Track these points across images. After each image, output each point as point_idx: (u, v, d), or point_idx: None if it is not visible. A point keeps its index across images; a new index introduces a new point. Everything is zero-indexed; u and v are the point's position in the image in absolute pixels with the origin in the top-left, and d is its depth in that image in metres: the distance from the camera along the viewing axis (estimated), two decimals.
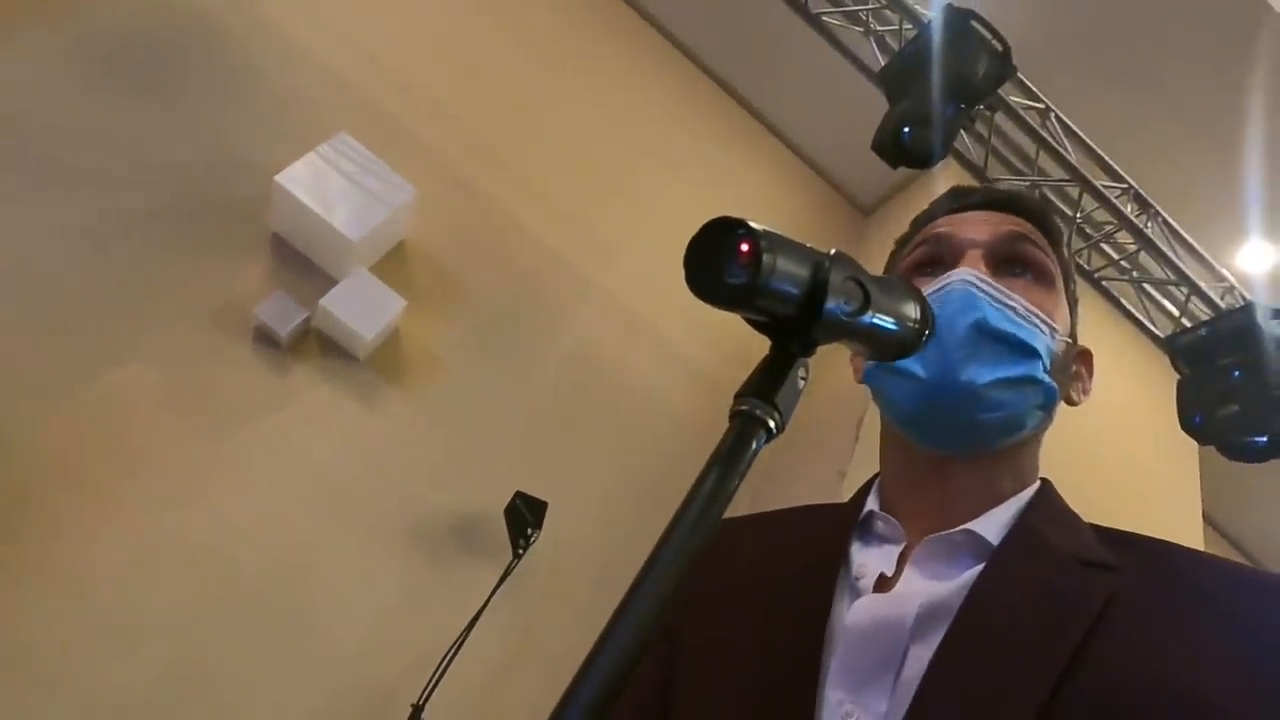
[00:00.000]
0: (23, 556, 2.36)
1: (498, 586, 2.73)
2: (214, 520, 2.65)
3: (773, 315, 0.44)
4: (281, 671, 2.58)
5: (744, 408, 0.43)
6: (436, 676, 2.51)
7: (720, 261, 0.42)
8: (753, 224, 0.42)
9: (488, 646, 2.70)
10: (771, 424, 0.42)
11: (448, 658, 2.54)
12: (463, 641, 2.58)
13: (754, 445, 0.42)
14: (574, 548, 3.08)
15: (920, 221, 0.75)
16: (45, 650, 2.31)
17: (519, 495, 2.88)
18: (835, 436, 3.02)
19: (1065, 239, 0.74)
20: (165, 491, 2.60)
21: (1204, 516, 3.81)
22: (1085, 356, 0.73)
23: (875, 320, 0.47)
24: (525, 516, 2.85)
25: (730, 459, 0.41)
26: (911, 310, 0.51)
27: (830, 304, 0.43)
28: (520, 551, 2.83)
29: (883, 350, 0.51)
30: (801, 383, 0.45)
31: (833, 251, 0.45)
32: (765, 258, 0.41)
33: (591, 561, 3.07)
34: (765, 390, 0.43)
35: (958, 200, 0.73)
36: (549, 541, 2.89)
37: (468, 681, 2.62)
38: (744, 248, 0.41)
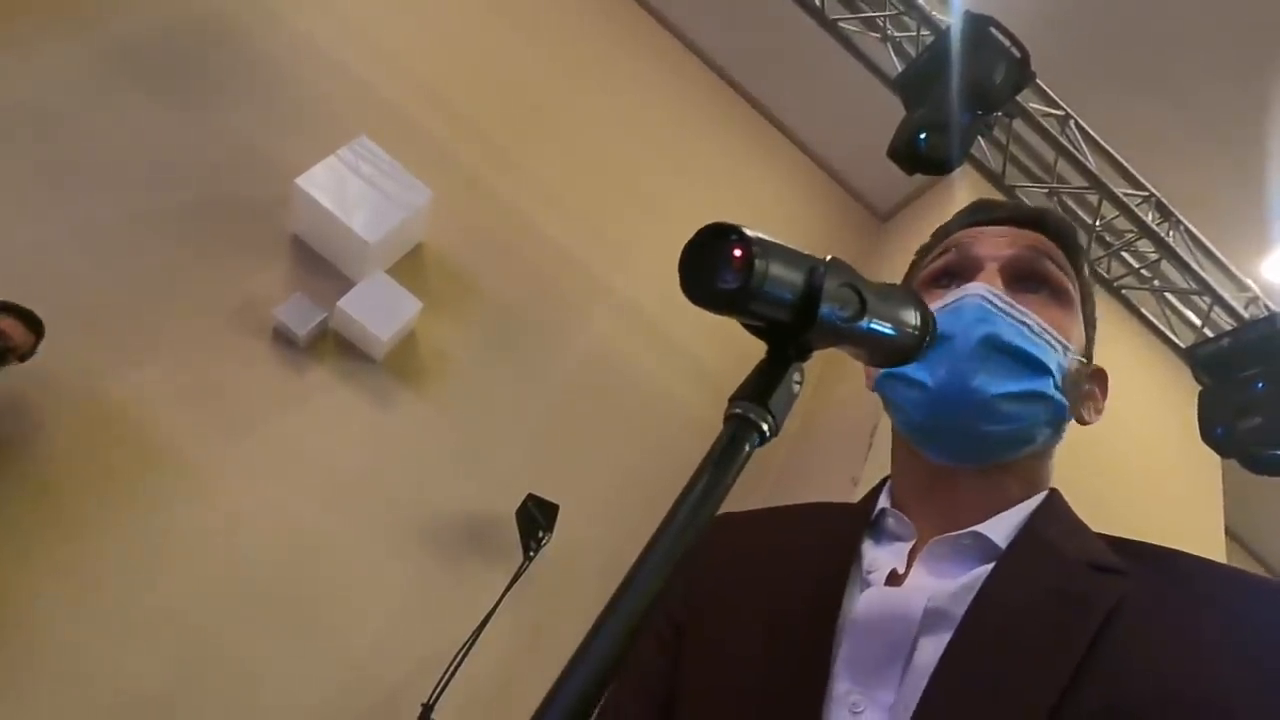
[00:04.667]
0: (41, 549, 2.41)
1: (508, 588, 2.74)
2: (229, 517, 2.69)
3: (767, 320, 0.44)
4: (292, 668, 2.61)
5: (737, 411, 0.43)
6: (446, 676, 2.52)
7: (713, 267, 0.42)
8: (746, 230, 0.42)
9: (498, 647, 2.71)
10: (765, 427, 0.43)
11: (458, 658, 2.55)
12: (473, 642, 2.59)
13: (746, 448, 0.42)
14: (584, 551, 3.09)
15: (942, 233, 0.76)
16: (62, 640, 2.35)
17: (531, 497, 2.89)
18: (849, 444, 3.01)
19: (1086, 250, 0.74)
20: (181, 488, 2.64)
21: (1226, 531, 3.75)
22: (1099, 376, 0.73)
23: (872, 326, 0.47)
24: (537, 518, 2.86)
25: (723, 461, 0.41)
26: (911, 317, 0.51)
27: (825, 309, 0.44)
28: (531, 554, 2.84)
29: (882, 356, 0.52)
30: (796, 387, 0.46)
31: (828, 258, 0.45)
32: (757, 263, 0.41)
33: (601, 565, 3.07)
34: (759, 394, 0.44)
35: (981, 214, 0.74)
36: (560, 544, 2.90)
37: (477, 682, 2.64)
38: (736, 253, 0.42)
